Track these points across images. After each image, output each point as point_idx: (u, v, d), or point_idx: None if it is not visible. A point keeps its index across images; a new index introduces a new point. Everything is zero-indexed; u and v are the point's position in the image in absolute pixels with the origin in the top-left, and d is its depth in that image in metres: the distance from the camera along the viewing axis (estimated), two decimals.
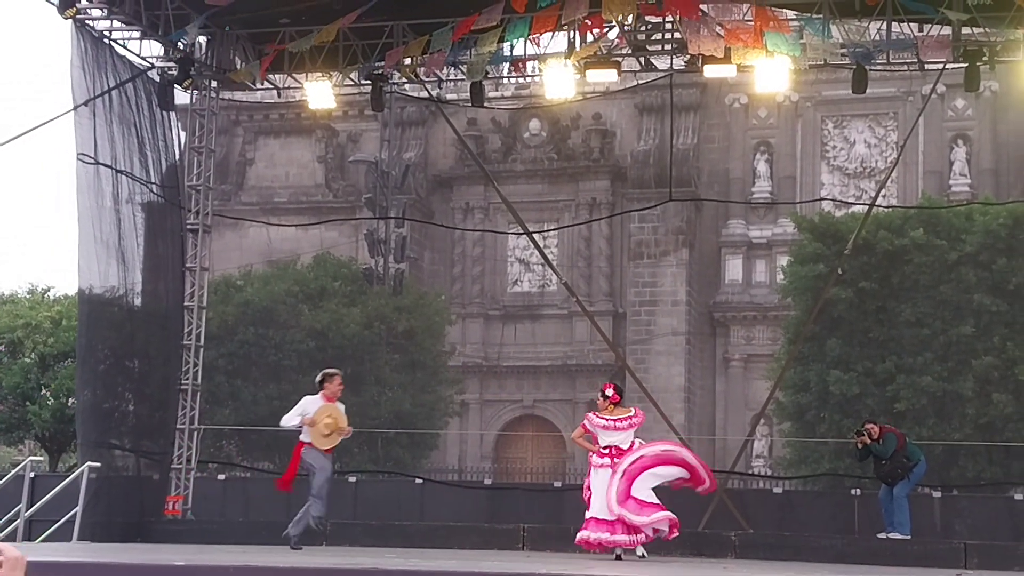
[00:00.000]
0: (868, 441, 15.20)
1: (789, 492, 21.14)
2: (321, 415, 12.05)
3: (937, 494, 18.51)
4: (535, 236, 27.32)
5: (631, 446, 11.67)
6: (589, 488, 11.78)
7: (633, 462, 11.48)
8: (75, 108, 14.92)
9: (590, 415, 11.94)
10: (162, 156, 16.41)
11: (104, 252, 15.44)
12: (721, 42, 14.30)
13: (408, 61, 15.48)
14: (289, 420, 12.29)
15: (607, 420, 11.73)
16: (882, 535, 14.99)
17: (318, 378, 12.40)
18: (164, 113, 16.40)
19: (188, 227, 17.18)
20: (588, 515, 11.61)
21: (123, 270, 15.80)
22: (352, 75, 16.12)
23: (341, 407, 12.31)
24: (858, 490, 18.71)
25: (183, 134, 17.54)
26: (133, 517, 15.41)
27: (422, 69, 15.92)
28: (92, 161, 15.11)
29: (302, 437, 12.19)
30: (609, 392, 11.94)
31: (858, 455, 15.86)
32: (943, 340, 23.80)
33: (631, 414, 11.81)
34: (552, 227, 36.26)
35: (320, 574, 8.42)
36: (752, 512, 15.44)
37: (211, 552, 11.37)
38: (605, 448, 11.66)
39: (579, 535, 11.63)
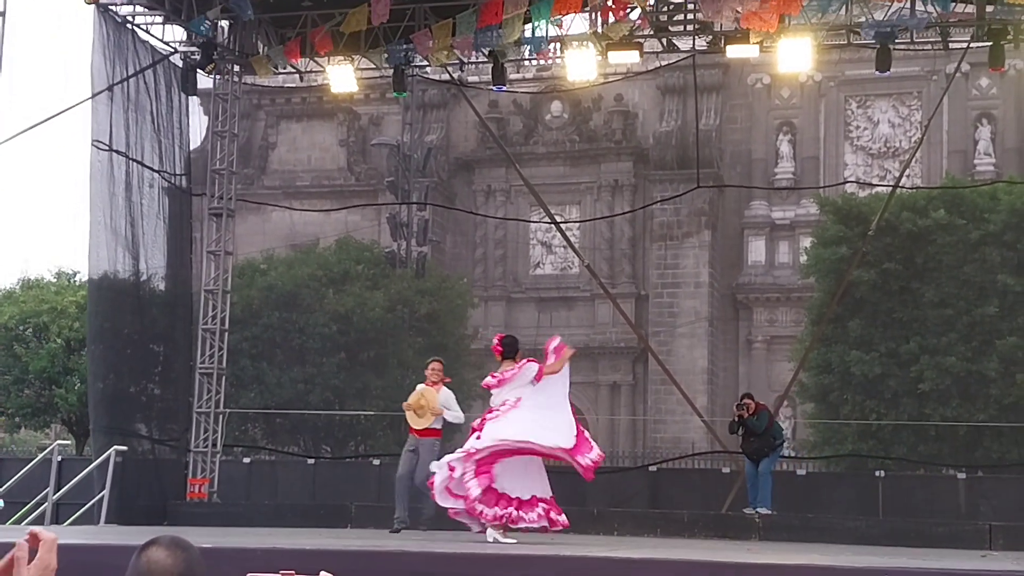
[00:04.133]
0: (745, 415, 15.37)
1: (813, 474, 21.10)
2: (413, 398, 12.82)
3: (962, 475, 18.46)
4: (557, 219, 27.31)
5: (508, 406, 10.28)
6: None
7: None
8: (94, 96, 14.99)
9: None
10: (175, 143, 16.44)
11: (114, 239, 15.51)
12: (738, 15, 14.19)
13: (431, 44, 15.47)
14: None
15: (492, 377, 10.52)
16: (748, 511, 15.14)
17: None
18: (181, 99, 16.44)
19: (211, 211, 17.26)
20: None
21: (134, 256, 15.86)
22: (377, 59, 16.12)
23: (443, 391, 12.95)
24: (882, 472, 18.67)
25: (205, 118, 17.61)
26: (158, 500, 15.53)
27: (445, 53, 15.91)
28: (106, 148, 15.16)
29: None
30: (494, 341, 10.80)
31: (730, 428, 16.08)
32: (967, 320, 23.69)
33: (513, 369, 10.40)
34: (574, 208, 36.23)
35: (345, 557, 8.47)
36: (775, 494, 15.44)
37: (237, 535, 11.45)
38: (502, 405, 10.37)
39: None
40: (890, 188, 25.35)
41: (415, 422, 12.80)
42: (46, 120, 14.75)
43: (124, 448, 15.30)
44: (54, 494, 15.88)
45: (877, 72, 15.52)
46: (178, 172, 16.46)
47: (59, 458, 16.82)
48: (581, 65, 15.77)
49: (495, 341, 10.87)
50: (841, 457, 23.07)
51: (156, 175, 16.00)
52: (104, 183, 15.30)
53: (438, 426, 12.94)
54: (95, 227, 15.29)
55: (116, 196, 15.40)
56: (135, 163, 15.54)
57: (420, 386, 12.92)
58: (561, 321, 36.88)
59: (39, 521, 15.20)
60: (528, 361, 10.50)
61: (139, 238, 15.80)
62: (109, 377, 16.00)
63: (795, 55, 15.06)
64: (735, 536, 14.13)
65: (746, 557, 9.16)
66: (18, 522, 15.90)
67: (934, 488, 18.34)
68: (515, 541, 10.22)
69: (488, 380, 10.65)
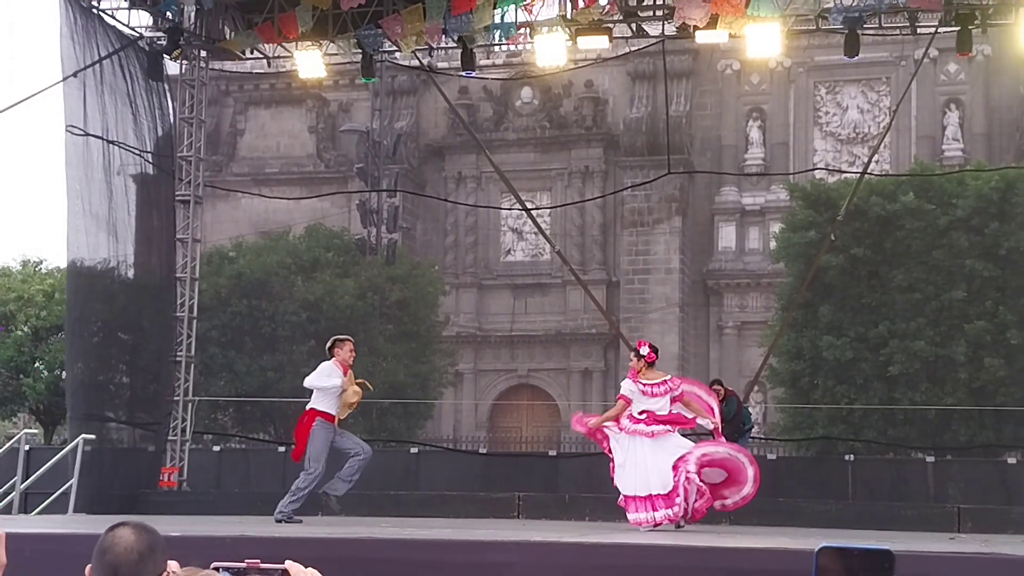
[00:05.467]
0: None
1: (783, 459, 21.22)
2: (350, 383, 11.58)
3: (930, 458, 18.58)
4: (528, 205, 27.27)
5: (671, 418, 10.90)
6: (611, 452, 11.00)
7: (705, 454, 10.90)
8: (64, 79, 14.84)
9: (629, 381, 11.05)
10: (158, 125, 16.32)
11: (94, 224, 15.39)
12: (708, 9, 14.24)
13: (400, 30, 15.38)
14: (321, 381, 11.51)
15: (644, 385, 10.91)
16: None
17: (328, 344, 11.93)
18: (158, 83, 16.30)
19: (179, 198, 17.12)
20: (629, 493, 10.84)
21: (114, 242, 15.74)
22: (345, 45, 16.02)
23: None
24: (851, 456, 18.78)
25: (172, 105, 17.44)
26: (128, 489, 15.43)
27: (414, 39, 15.82)
28: (82, 132, 15.03)
29: (316, 405, 11.52)
30: (644, 351, 11.07)
31: None
32: (935, 305, 23.83)
33: (667, 378, 11.07)
34: (545, 194, 36.22)
35: (316, 544, 8.43)
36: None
37: (207, 523, 11.39)
38: (641, 414, 10.83)
39: (635, 517, 10.83)
40: (859, 174, 25.45)
41: (345, 411, 11.69)
42: (12, 106, 14.59)
43: (92, 437, 15.20)
44: (22, 483, 15.76)
45: (846, 57, 15.56)
46: (161, 154, 16.29)
47: (27, 447, 16.69)
48: (551, 51, 15.72)
49: (647, 349, 11.11)
50: (811, 440, 23.19)
51: (132, 159, 15.83)
52: (81, 168, 15.16)
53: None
54: (73, 213, 15.14)
55: (93, 181, 15.27)
56: (112, 147, 15.38)
57: (338, 368, 11.63)
58: (532, 307, 36.92)
59: (6, 511, 15.09)
60: (674, 379, 11.21)
61: (119, 223, 15.65)
62: (90, 364, 15.89)
63: (764, 41, 15.06)
64: (705, 520, 14.16)
65: (716, 541, 9.17)
66: None
67: (903, 472, 18.46)
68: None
69: (638, 386, 10.95)
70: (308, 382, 11.62)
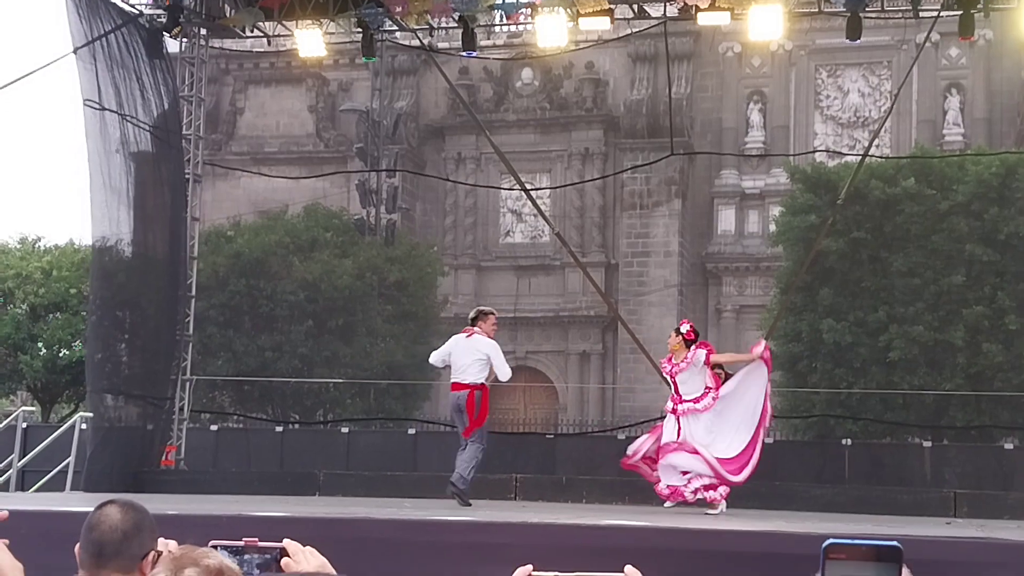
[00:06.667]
0: None
1: (780, 442, 21.22)
2: None
3: (927, 443, 18.60)
4: (528, 187, 27.21)
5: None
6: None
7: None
8: (62, 57, 14.80)
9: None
10: (164, 101, 16.26)
11: (115, 199, 15.36)
12: None
13: (400, 8, 15.31)
14: (502, 355, 11.46)
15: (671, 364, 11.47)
16: None
17: (471, 315, 11.72)
18: (159, 60, 16.23)
19: None
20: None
21: (133, 217, 15.70)
22: (343, 22, 15.96)
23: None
24: (848, 440, 18.79)
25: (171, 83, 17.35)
26: (126, 467, 15.43)
27: (416, 16, 15.76)
28: (99, 107, 14.97)
29: (480, 379, 11.31)
30: (685, 328, 11.61)
31: None
32: (934, 290, 23.82)
33: (686, 354, 11.42)
34: (545, 176, 36.13)
35: (313, 524, 8.43)
36: None
37: (204, 502, 11.40)
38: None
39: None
40: (860, 156, 25.41)
41: None
42: (22, 78, 14.51)
43: (90, 414, 15.19)
44: (19, 461, 15.78)
45: (847, 41, 15.50)
46: (170, 130, 16.22)
47: (24, 425, 16.71)
48: (552, 31, 15.65)
49: (688, 327, 11.63)
50: (809, 418, 23.22)
51: (143, 136, 15.74)
52: (100, 143, 15.11)
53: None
54: (96, 188, 15.08)
55: (111, 155, 15.21)
56: (126, 123, 15.29)
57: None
58: (531, 289, 36.91)
59: (3, 488, 15.11)
60: (696, 349, 11.47)
61: (132, 200, 15.58)
62: (109, 340, 15.87)
63: (766, 23, 15.01)
64: (702, 504, 14.18)
65: (713, 524, 9.19)
66: None
67: (900, 456, 18.49)
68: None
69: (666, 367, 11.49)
70: (496, 357, 11.37)
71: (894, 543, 1.53)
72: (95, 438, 14.88)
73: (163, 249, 16.43)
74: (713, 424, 11.25)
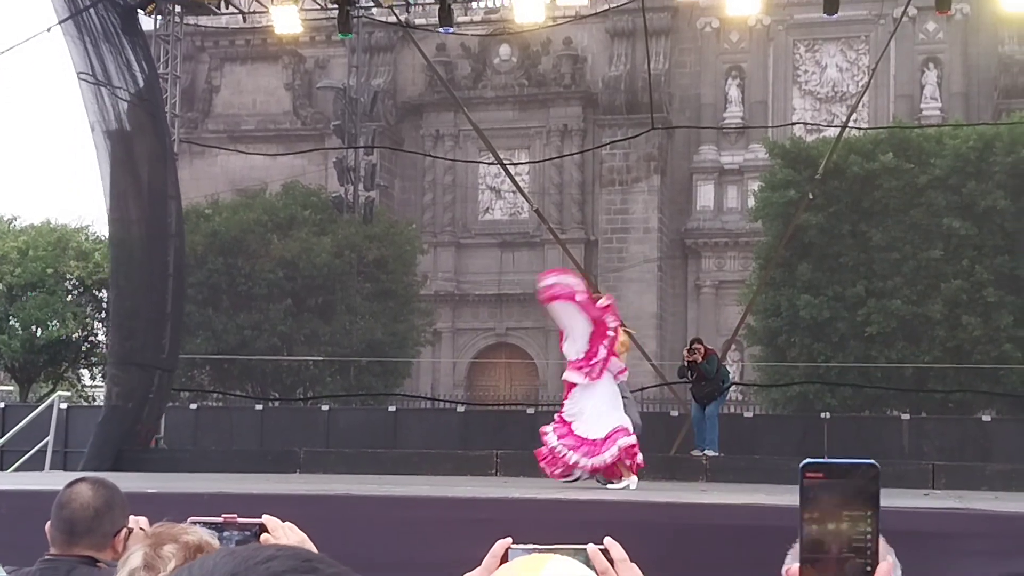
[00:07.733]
0: (698, 359, 15.40)
1: (759, 416, 21.32)
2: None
3: (906, 416, 18.70)
4: (506, 163, 27.18)
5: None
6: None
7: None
8: (36, 36, 14.65)
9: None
10: (140, 79, 16.14)
11: (127, 176, 15.30)
12: None
13: None
14: None
15: None
16: (696, 453, 15.26)
17: None
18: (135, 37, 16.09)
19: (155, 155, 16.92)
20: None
21: (137, 195, 15.65)
22: None
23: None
24: (827, 413, 18.88)
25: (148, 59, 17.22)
26: (107, 446, 15.37)
27: None
28: (93, 81, 14.86)
29: None
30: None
31: (680, 372, 16.20)
32: (913, 264, 23.92)
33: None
34: (523, 153, 36.04)
35: (294, 501, 8.42)
36: (723, 436, 15.56)
37: (184, 480, 11.37)
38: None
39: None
40: (838, 130, 25.45)
41: None
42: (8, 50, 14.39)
43: (68, 394, 15.14)
44: None
45: (825, 15, 15.50)
46: (158, 104, 16.11)
47: (2, 405, 16.63)
48: (529, 7, 15.60)
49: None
50: (789, 386, 23.33)
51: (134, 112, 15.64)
52: (98, 117, 15.03)
53: None
54: (103, 162, 15.02)
55: (111, 131, 15.11)
56: (118, 95, 15.19)
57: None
58: (511, 266, 36.88)
59: None
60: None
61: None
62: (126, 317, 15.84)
63: None
64: (683, 477, 14.24)
65: (696, 497, 9.22)
66: None
67: (879, 429, 18.59)
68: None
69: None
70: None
71: (871, 461, 1.54)
72: (68, 418, 14.82)
73: (155, 226, 16.33)
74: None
